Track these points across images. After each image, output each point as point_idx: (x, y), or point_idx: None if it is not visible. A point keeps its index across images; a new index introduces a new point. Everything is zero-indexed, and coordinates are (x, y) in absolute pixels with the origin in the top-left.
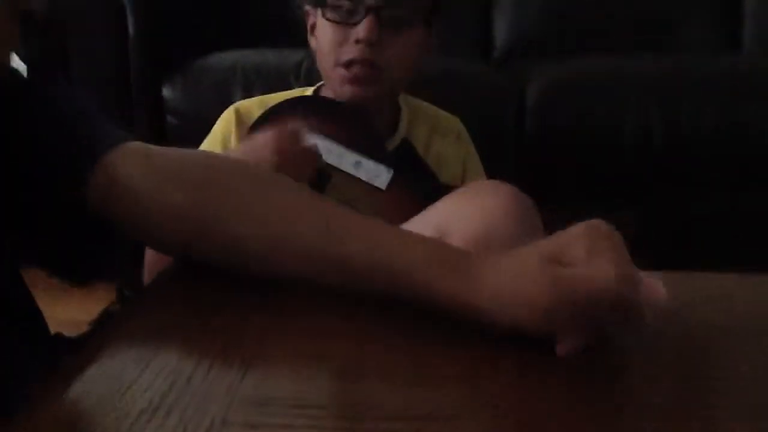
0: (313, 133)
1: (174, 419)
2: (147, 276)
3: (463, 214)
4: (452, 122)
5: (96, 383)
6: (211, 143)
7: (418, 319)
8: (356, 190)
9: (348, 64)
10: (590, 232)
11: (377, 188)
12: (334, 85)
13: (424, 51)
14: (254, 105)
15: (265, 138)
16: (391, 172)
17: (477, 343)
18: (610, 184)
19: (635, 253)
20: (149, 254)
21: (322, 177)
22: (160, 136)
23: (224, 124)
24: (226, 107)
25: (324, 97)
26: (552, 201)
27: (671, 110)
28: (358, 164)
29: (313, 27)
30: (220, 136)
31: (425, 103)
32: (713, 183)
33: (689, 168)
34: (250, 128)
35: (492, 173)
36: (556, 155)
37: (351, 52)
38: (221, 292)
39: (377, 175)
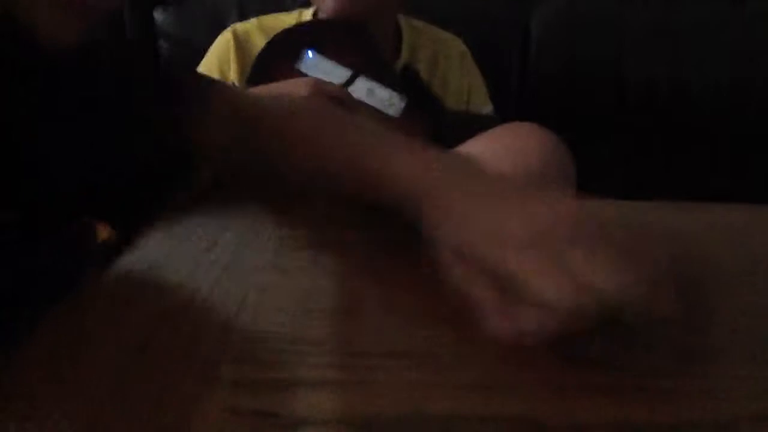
0: (324, 58)
1: (166, 357)
2: None
3: (500, 155)
4: (456, 43)
5: (84, 321)
6: (207, 67)
7: (415, 257)
8: (371, 117)
9: None
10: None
11: (390, 115)
12: (319, 1)
13: None
14: (252, 27)
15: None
16: (405, 99)
17: None
18: (612, 119)
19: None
20: None
21: None
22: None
23: (222, 47)
24: (220, 31)
25: (330, 21)
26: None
27: (676, 38)
28: (370, 92)
29: None
30: (216, 60)
31: (428, 25)
32: (716, 136)
33: (692, 118)
34: (256, 59)
35: (494, 104)
36: (558, 92)
37: None
38: (217, 225)
39: (390, 103)
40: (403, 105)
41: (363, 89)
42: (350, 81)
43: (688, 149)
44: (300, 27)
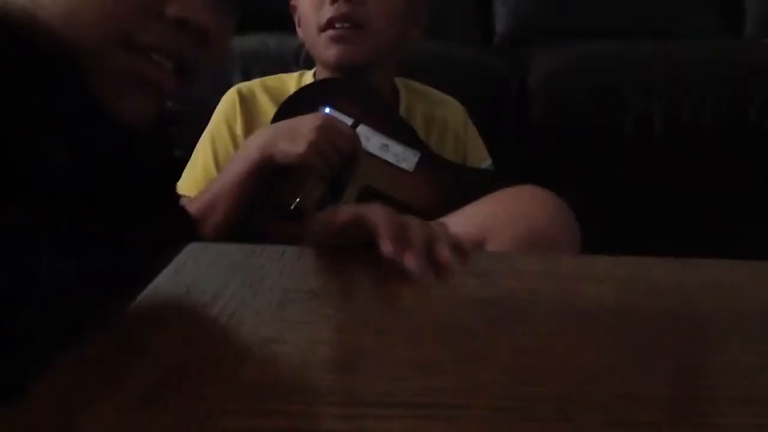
0: (339, 113)
1: (173, 405)
2: None
3: (509, 217)
4: (452, 105)
5: (92, 371)
6: (215, 126)
7: (416, 310)
8: (383, 172)
9: (328, 25)
10: None
11: (404, 170)
12: (321, 52)
13: (413, 13)
14: (256, 86)
15: (309, 120)
16: (418, 155)
17: (471, 326)
18: (611, 171)
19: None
20: None
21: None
22: (158, 120)
23: (228, 105)
24: (225, 91)
25: (346, 79)
26: (554, 188)
27: (673, 97)
28: (384, 147)
29: (300, 19)
30: (224, 117)
31: (424, 86)
32: (715, 168)
33: (691, 154)
34: (275, 116)
35: (493, 159)
36: (558, 143)
37: (329, 11)
38: (218, 281)
39: (404, 158)
40: (416, 160)
41: (377, 144)
42: (366, 137)
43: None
44: (315, 85)
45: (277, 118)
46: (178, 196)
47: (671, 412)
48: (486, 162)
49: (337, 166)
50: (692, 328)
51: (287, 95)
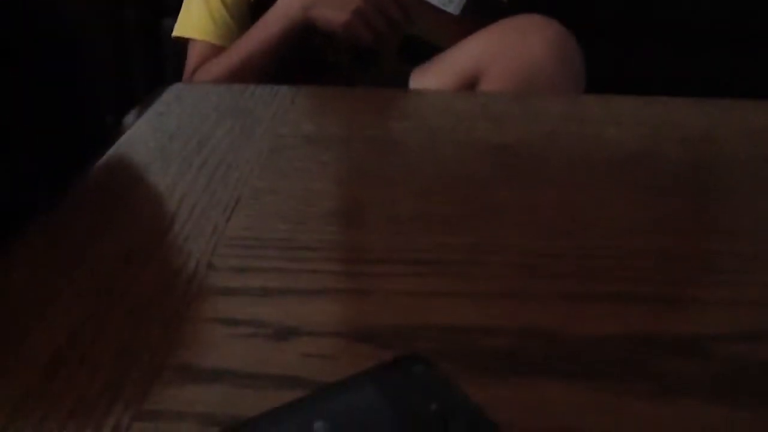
0: None
1: (156, 262)
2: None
3: (505, 50)
4: None
5: (76, 225)
6: None
7: (422, 153)
8: (428, 17)
9: None
10: None
11: (450, 15)
12: None
13: None
14: None
15: None
16: None
17: (481, 182)
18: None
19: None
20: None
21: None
22: None
23: None
24: None
25: None
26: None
27: None
28: None
29: None
30: None
31: None
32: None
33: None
34: None
35: None
36: None
37: None
38: (206, 126)
39: (450, 0)
40: (463, 2)
41: None
42: None
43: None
44: None
45: None
46: None
47: (700, 270)
48: None
49: (384, 34)
50: (723, 180)
51: None
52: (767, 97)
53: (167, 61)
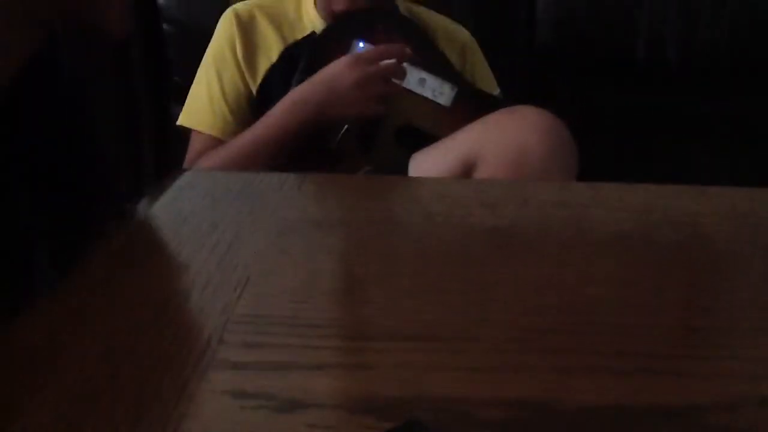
0: (372, 46)
1: (168, 338)
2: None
3: (501, 138)
4: (459, 32)
5: (90, 299)
6: (217, 51)
7: (421, 236)
8: (421, 108)
9: None
10: None
11: (441, 106)
12: None
13: None
14: (253, 7)
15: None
16: (455, 89)
17: (476, 262)
18: (623, 96)
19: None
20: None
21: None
22: (157, 43)
23: (226, 28)
24: (222, 12)
25: (380, 10)
26: (561, 114)
27: (688, 20)
28: (422, 81)
29: None
30: (225, 40)
31: (430, 11)
32: (728, 92)
33: (706, 79)
34: (307, 55)
35: (501, 84)
36: (567, 66)
37: None
38: (217, 210)
39: (441, 92)
40: (453, 94)
41: (415, 78)
42: (424, 81)
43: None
44: (346, 16)
45: (312, 54)
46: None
47: (684, 345)
48: (495, 92)
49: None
50: (707, 260)
51: (286, 16)
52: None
53: (176, 150)
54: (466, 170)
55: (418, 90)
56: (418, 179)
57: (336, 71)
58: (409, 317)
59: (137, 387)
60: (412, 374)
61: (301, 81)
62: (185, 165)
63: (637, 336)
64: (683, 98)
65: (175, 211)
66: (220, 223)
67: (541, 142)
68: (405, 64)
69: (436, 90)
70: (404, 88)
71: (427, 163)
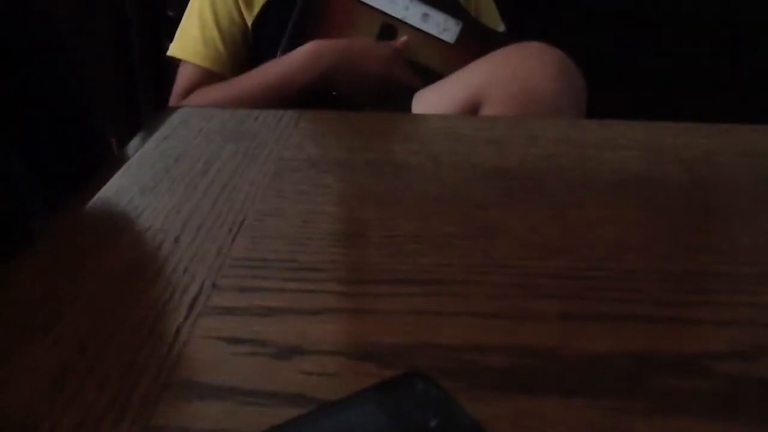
0: None
1: (161, 283)
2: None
3: (507, 75)
4: None
5: (80, 241)
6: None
7: (424, 176)
8: (425, 44)
9: None
10: None
11: (446, 42)
12: None
13: None
14: None
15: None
16: (460, 24)
17: (481, 203)
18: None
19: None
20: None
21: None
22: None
23: None
24: None
25: None
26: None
27: None
28: (425, 17)
29: None
30: None
31: None
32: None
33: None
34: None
35: (505, 20)
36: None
37: None
38: (212, 149)
39: (446, 27)
40: (458, 30)
41: (418, 14)
42: (405, 6)
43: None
44: None
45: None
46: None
47: (697, 290)
48: (500, 28)
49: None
50: (722, 201)
51: None
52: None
53: (171, 83)
54: (472, 108)
55: (422, 26)
56: (420, 116)
57: (362, 55)
58: (412, 261)
59: (130, 333)
60: (414, 320)
61: (298, 20)
62: (172, 97)
63: (648, 281)
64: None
65: (168, 150)
66: (214, 163)
67: (549, 79)
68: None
69: (440, 26)
70: (408, 25)
71: (431, 101)
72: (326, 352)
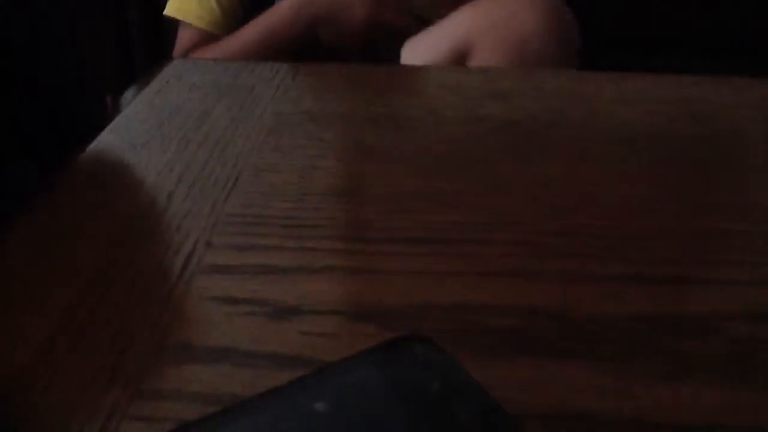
0: None
1: (153, 240)
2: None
3: (496, 22)
4: None
5: (71, 199)
6: None
7: (426, 130)
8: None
9: None
10: None
11: None
12: None
13: None
14: None
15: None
16: None
17: (487, 159)
18: None
19: None
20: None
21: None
22: None
23: None
24: None
25: None
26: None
27: None
28: None
29: None
30: None
31: None
32: None
33: None
34: None
35: None
36: None
37: None
38: (206, 103)
39: None
40: None
41: None
42: None
43: None
44: None
45: None
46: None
47: (707, 250)
48: None
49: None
50: (735, 157)
51: None
52: None
53: (167, 39)
54: (461, 57)
55: None
56: (421, 68)
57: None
58: (414, 219)
59: (122, 293)
60: (417, 279)
61: None
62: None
63: (658, 240)
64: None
65: (161, 103)
66: (208, 117)
67: (540, 25)
68: None
69: None
70: None
71: (419, 51)
72: (325, 312)
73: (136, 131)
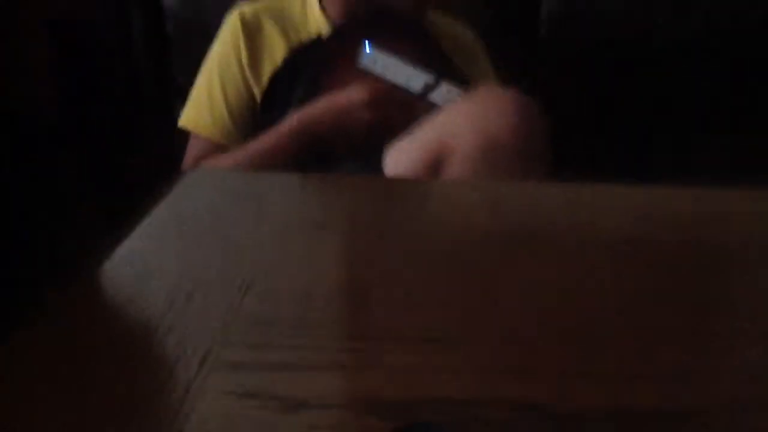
0: (381, 51)
1: (173, 339)
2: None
3: (467, 128)
4: (466, 36)
5: (93, 301)
6: (221, 53)
7: (423, 238)
8: (424, 110)
9: None
10: None
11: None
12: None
13: None
14: (260, 10)
15: (360, 94)
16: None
17: (484, 262)
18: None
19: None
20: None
21: None
22: (161, 43)
23: (231, 32)
24: (228, 13)
25: (391, 14)
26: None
27: (677, 12)
28: (428, 86)
29: None
30: (230, 46)
31: (437, 13)
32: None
33: (697, 73)
34: (315, 63)
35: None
36: (570, 58)
37: None
38: (220, 211)
39: (447, 99)
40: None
41: (420, 82)
42: (432, 86)
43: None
44: (352, 22)
45: (318, 63)
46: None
47: (687, 349)
48: None
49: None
50: (716, 261)
51: (291, 17)
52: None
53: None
54: (439, 161)
55: (428, 95)
56: (418, 182)
57: (346, 103)
58: (412, 319)
59: (142, 387)
60: (415, 375)
61: (307, 90)
62: (183, 166)
63: (640, 340)
64: (686, 88)
65: (177, 211)
66: (222, 224)
67: (509, 131)
68: (410, 67)
69: (443, 95)
70: (409, 92)
71: (399, 155)
72: (331, 406)
73: (157, 236)
